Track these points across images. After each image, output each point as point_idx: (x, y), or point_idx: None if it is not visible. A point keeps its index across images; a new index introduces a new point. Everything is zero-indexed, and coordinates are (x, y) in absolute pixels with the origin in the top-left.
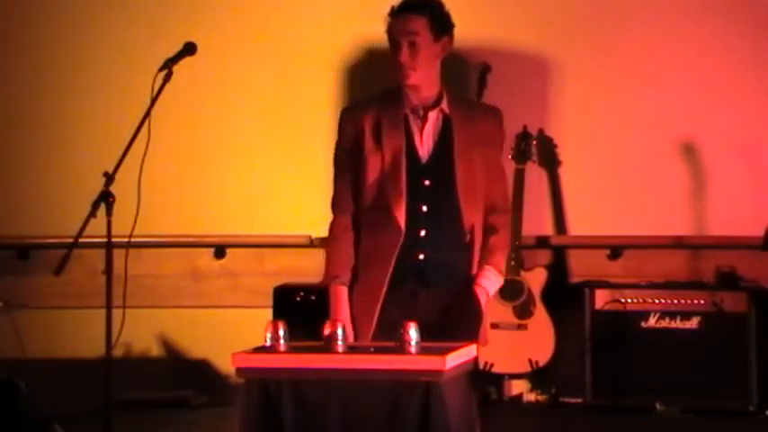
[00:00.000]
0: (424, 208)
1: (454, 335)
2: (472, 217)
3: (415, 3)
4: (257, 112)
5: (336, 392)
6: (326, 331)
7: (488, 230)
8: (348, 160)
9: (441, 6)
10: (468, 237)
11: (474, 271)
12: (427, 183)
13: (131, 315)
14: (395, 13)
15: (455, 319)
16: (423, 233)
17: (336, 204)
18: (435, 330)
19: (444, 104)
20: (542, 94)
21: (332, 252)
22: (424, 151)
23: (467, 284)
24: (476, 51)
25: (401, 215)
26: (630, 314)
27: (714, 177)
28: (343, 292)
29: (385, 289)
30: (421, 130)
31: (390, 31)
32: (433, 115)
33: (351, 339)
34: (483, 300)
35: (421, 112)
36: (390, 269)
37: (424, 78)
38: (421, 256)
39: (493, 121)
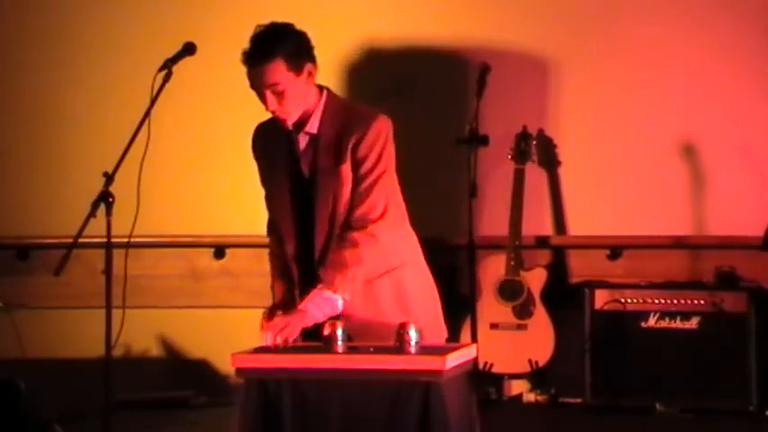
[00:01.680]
0: (314, 232)
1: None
2: (321, 234)
3: (264, 46)
4: (257, 112)
5: (336, 392)
6: (326, 331)
7: (342, 243)
8: (262, 182)
9: (292, 35)
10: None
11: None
12: (306, 209)
13: (131, 315)
14: (248, 63)
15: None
16: (316, 257)
17: (268, 227)
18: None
19: (311, 124)
20: (542, 95)
21: (271, 267)
22: (300, 176)
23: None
24: (476, 51)
25: (291, 243)
26: (630, 314)
27: (714, 177)
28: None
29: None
30: (298, 154)
31: (249, 80)
32: (301, 138)
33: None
34: (307, 322)
35: (294, 136)
36: (296, 291)
37: (298, 111)
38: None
39: (361, 129)
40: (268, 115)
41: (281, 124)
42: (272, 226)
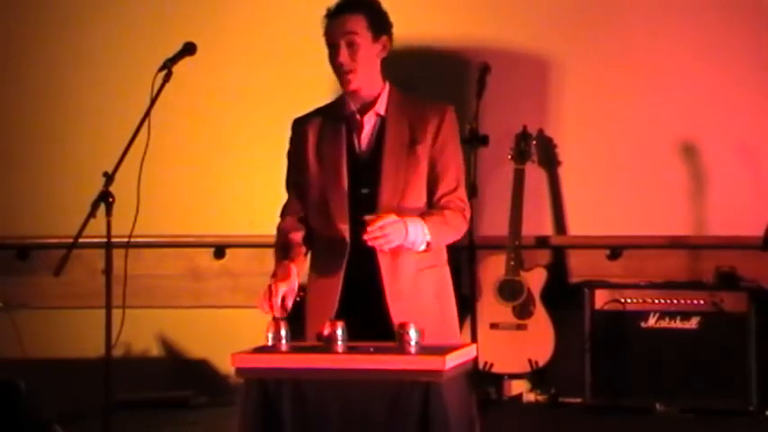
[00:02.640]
0: (368, 217)
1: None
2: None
3: (351, 2)
4: (257, 111)
5: (336, 392)
6: (326, 331)
7: (440, 207)
8: (294, 172)
9: (378, 4)
10: None
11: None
12: (365, 191)
13: (131, 315)
14: (331, 15)
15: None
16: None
17: (286, 209)
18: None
19: (380, 105)
20: (542, 94)
21: (281, 243)
22: (362, 158)
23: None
24: (476, 51)
25: (345, 228)
26: (630, 314)
27: (714, 177)
28: (293, 266)
29: (337, 304)
30: (360, 137)
31: (327, 33)
32: (368, 119)
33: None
34: (397, 231)
35: (357, 117)
36: (340, 283)
37: (364, 80)
38: (368, 265)
39: (438, 117)
40: (268, 114)
41: (343, 86)
42: (292, 207)
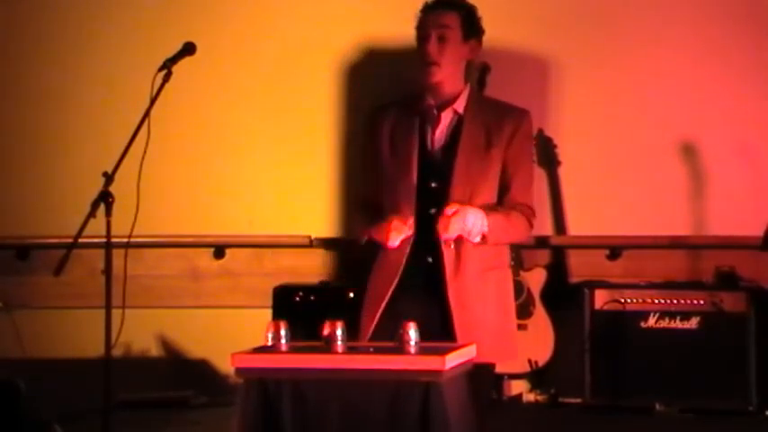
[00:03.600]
0: (432, 210)
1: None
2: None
3: (450, 1)
4: (257, 111)
5: (336, 392)
6: (325, 331)
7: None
8: (370, 161)
9: (474, 9)
10: None
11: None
12: (434, 185)
13: (131, 315)
14: (428, 9)
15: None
16: (431, 235)
17: (361, 196)
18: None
19: (459, 104)
20: (542, 95)
21: (374, 213)
22: (434, 153)
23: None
24: None
25: (411, 219)
26: (630, 314)
27: (714, 177)
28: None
29: (390, 293)
30: (434, 132)
31: (421, 25)
32: (445, 115)
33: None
34: (460, 219)
35: (435, 112)
36: (399, 273)
37: (447, 76)
38: (429, 260)
39: (515, 122)
40: (268, 115)
41: (425, 78)
42: (369, 197)
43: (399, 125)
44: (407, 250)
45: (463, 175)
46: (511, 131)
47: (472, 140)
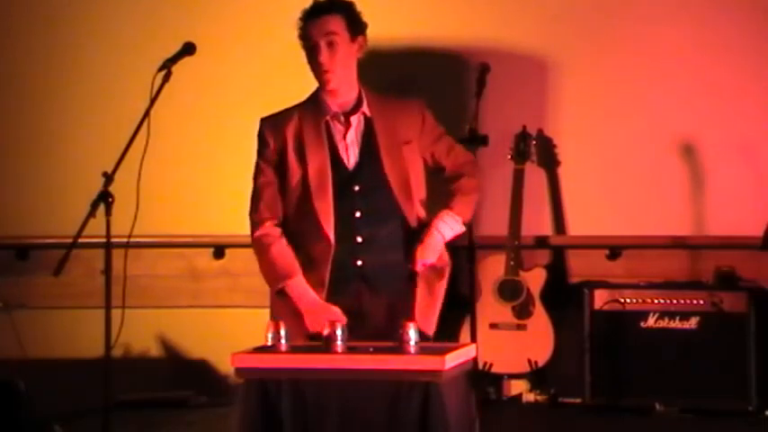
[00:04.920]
0: (358, 214)
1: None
2: (413, 213)
3: (328, 4)
4: (257, 111)
5: (336, 392)
6: (325, 331)
7: (452, 179)
8: (272, 170)
9: (353, 6)
10: (410, 234)
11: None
12: (357, 188)
13: (130, 315)
14: (309, 16)
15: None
16: (359, 239)
17: (263, 214)
18: (385, 332)
19: (365, 107)
20: (541, 95)
21: (275, 256)
22: (350, 157)
23: (406, 283)
24: (475, 51)
25: (330, 227)
26: (630, 314)
27: (714, 177)
28: (303, 283)
29: (324, 299)
30: (344, 136)
31: (306, 35)
32: (354, 119)
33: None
34: (437, 244)
35: (342, 118)
36: (326, 281)
37: (343, 80)
38: (359, 262)
39: (414, 112)
40: (268, 111)
41: (322, 86)
42: (271, 208)
43: (304, 133)
44: (330, 259)
45: (394, 172)
46: (419, 126)
47: (389, 140)
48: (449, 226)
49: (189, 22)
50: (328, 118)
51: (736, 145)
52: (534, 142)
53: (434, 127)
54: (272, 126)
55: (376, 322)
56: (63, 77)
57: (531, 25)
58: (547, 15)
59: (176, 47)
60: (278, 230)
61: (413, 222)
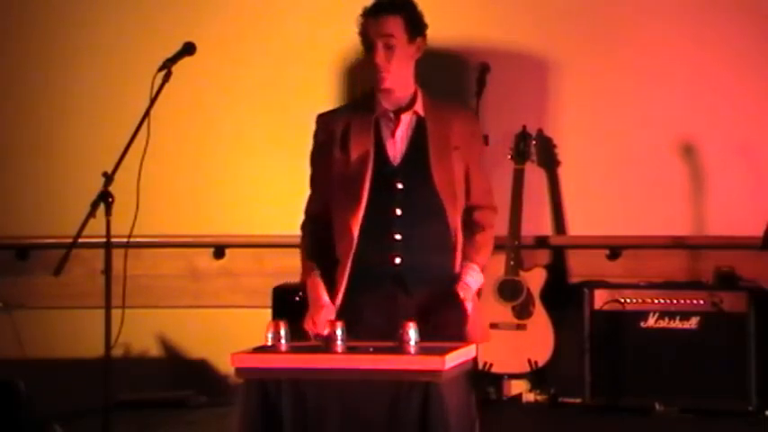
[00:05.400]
0: (398, 211)
1: (437, 338)
2: (456, 217)
3: (389, 2)
4: (256, 112)
5: (336, 392)
6: (325, 331)
7: (473, 228)
8: (321, 165)
9: (415, 6)
10: (453, 238)
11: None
12: (400, 186)
13: (130, 315)
14: (369, 14)
15: (440, 324)
16: (398, 237)
17: (309, 206)
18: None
19: (418, 106)
20: (541, 95)
21: (304, 249)
22: (396, 154)
23: (450, 287)
24: (475, 51)
25: (355, 222)
26: (629, 314)
27: (714, 177)
28: (320, 281)
29: (341, 295)
30: (392, 133)
31: (365, 32)
32: (405, 118)
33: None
34: (468, 297)
35: (392, 116)
36: (346, 276)
37: (398, 81)
38: (397, 260)
39: (469, 122)
40: (268, 114)
41: (376, 84)
42: (316, 201)
43: (351, 128)
44: (350, 256)
45: (442, 174)
46: (468, 131)
47: (440, 141)
48: (475, 280)
49: (189, 22)
50: (378, 115)
51: (737, 145)
52: (534, 142)
53: (480, 145)
54: (323, 122)
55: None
56: (63, 77)
57: (531, 25)
58: (547, 15)
59: (176, 47)
60: (318, 223)
61: (455, 227)
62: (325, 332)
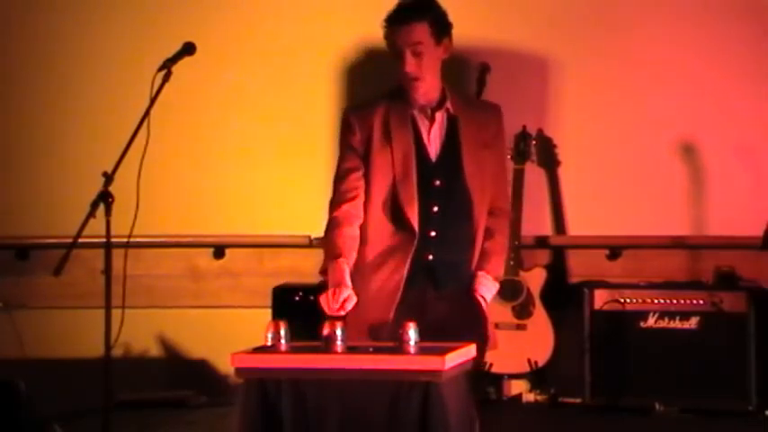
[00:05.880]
0: (435, 208)
1: (461, 337)
2: (482, 216)
3: (413, 8)
4: (257, 112)
5: (336, 392)
6: (325, 331)
7: (486, 234)
8: (357, 157)
9: (438, 7)
10: (476, 236)
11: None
12: (438, 183)
13: (130, 315)
14: (394, 22)
15: (462, 322)
16: (433, 234)
17: (342, 197)
18: (444, 331)
19: (449, 104)
20: (541, 95)
21: (337, 236)
22: (433, 151)
23: (471, 286)
24: (475, 51)
25: (414, 216)
26: (629, 314)
27: (714, 177)
28: (346, 267)
29: (401, 291)
30: (428, 131)
31: (391, 40)
32: (439, 115)
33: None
34: (485, 307)
35: (429, 112)
36: (405, 271)
37: (430, 83)
38: (430, 257)
39: (496, 120)
40: (268, 115)
41: (411, 89)
42: (350, 192)
43: (391, 121)
44: (412, 250)
45: (473, 173)
46: (495, 130)
47: (472, 139)
48: (489, 290)
49: (189, 23)
50: (415, 111)
51: (737, 145)
52: (534, 142)
53: (502, 142)
54: (358, 114)
55: (435, 317)
56: (63, 78)
57: (531, 25)
58: (547, 16)
59: (176, 47)
60: (351, 214)
61: (480, 225)
62: (326, 332)
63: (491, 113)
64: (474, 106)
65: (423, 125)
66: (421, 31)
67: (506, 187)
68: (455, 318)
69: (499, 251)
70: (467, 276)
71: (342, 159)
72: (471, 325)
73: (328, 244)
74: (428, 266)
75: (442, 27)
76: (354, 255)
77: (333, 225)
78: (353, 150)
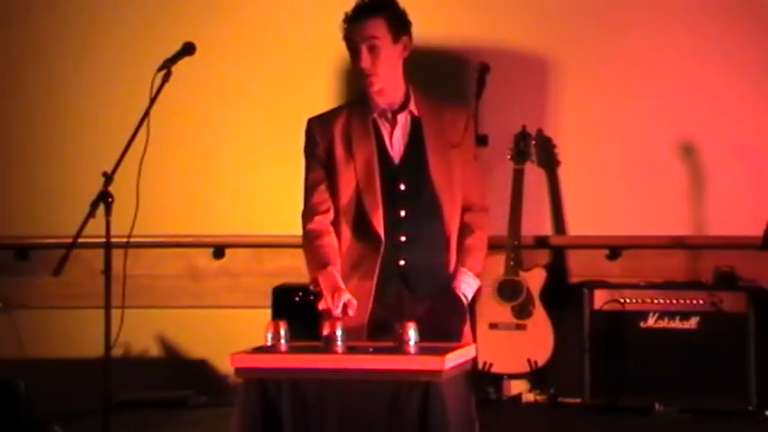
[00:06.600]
0: (402, 212)
1: (439, 335)
2: (453, 217)
3: (370, 5)
4: (256, 111)
5: (335, 393)
6: (325, 331)
7: (464, 230)
8: (321, 167)
9: (396, 5)
10: (449, 238)
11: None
12: (402, 187)
13: (130, 315)
14: (351, 19)
15: (439, 320)
16: (403, 238)
17: (313, 209)
18: (422, 332)
19: (412, 105)
20: (541, 95)
21: (317, 248)
22: (396, 155)
23: (449, 286)
24: (475, 51)
25: (379, 222)
26: (629, 314)
27: (714, 177)
28: (337, 274)
29: (372, 297)
30: (390, 134)
31: (348, 37)
32: (401, 118)
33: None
34: (466, 308)
35: (389, 116)
36: (375, 278)
37: (388, 82)
38: (401, 262)
39: (462, 119)
40: (267, 114)
41: (366, 89)
42: (320, 204)
43: (352, 130)
44: (379, 256)
45: (440, 172)
46: (462, 128)
47: (436, 140)
48: (470, 286)
49: (189, 23)
50: (375, 115)
51: (736, 145)
52: (534, 142)
53: (471, 142)
54: (320, 125)
55: (413, 317)
56: (63, 78)
57: (531, 25)
58: (547, 15)
59: (176, 47)
60: (326, 225)
61: (454, 226)
62: (325, 332)
63: (457, 111)
64: (439, 106)
65: (384, 129)
66: (376, 26)
67: (480, 184)
68: (433, 316)
69: (479, 246)
70: (443, 279)
71: (308, 170)
72: (448, 322)
73: (312, 256)
74: (400, 272)
75: (399, 24)
76: (339, 263)
77: (312, 237)
78: (318, 161)
